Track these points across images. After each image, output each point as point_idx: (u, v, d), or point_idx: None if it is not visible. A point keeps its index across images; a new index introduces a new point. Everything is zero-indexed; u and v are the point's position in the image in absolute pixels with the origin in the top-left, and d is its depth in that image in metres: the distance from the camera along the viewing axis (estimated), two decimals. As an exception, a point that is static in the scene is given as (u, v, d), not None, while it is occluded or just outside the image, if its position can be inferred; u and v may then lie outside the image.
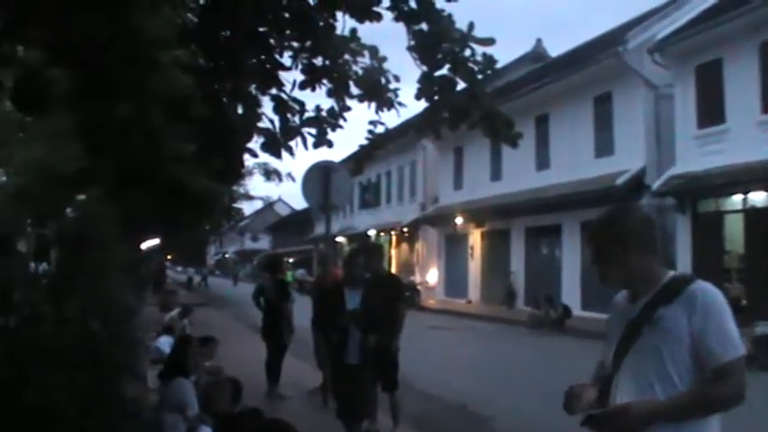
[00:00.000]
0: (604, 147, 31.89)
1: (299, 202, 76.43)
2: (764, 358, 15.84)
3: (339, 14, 7.12)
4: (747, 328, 17.69)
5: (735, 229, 25.59)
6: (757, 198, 24.30)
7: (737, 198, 25.11)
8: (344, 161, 18.59)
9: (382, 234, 54.68)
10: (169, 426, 7.45)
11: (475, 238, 43.40)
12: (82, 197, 11.45)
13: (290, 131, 7.28)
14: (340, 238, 59.91)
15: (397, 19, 6.96)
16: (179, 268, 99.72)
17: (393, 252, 54.65)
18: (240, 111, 7.21)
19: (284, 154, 7.38)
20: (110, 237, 8.22)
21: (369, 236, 54.71)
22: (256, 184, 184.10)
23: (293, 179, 45.40)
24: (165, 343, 14.12)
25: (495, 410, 13.13)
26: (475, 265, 43.32)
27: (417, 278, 47.40)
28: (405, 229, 51.47)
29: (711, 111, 25.99)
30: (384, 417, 11.00)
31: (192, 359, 9.03)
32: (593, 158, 32.21)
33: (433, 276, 48.11)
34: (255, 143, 7.45)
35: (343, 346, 9.81)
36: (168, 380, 8.53)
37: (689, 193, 26.58)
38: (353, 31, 7.25)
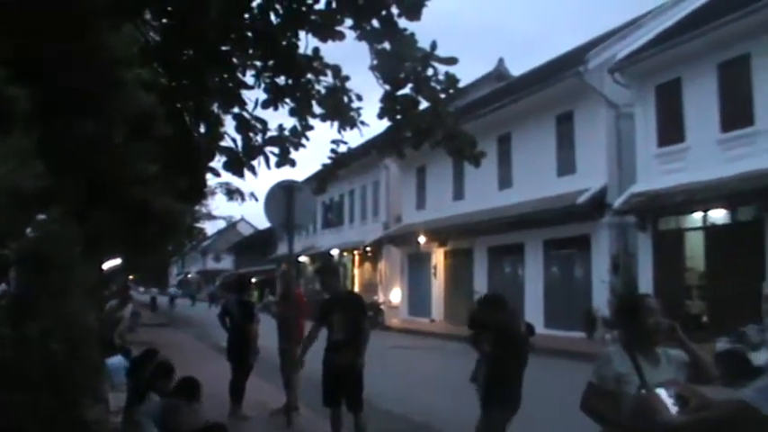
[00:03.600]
0: (566, 165, 32.11)
1: (262, 222, 76.16)
2: (726, 375, 15.93)
3: (302, 34, 7.14)
4: (708, 344, 17.85)
5: (695, 247, 25.87)
6: (717, 216, 24.64)
7: (698, 216, 25.39)
8: (307, 180, 18.53)
9: (345, 253, 54.64)
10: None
11: (438, 257, 43.46)
12: (43, 217, 11.35)
13: (252, 150, 7.27)
14: (303, 258, 59.80)
15: (359, 38, 6.98)
16: (141, 289, 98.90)
17: (356, 271, 54.61)
18: (203, 130, 7.19)
19: (246, 173, 7.37)
20: (71, 257, 8.14)
21: (331, 255, 54.64)
22: (219, 204, 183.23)
23: (256, 199, 45.11)
24: (116, 363, 13.78)
25: (461, 429, 13.11)
26: (438, 285, 43.35)
27: (380, 298, 47.30)
28: (368, 249, 51.43)
29: (671, 129, 26.32)
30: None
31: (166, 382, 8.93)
32: (555, 177, 32.39)
33: (396, 296, 48.03)
34: (218, 162, 7.43)
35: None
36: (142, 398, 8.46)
37: (650, 211, 26.82)
38: (316, 50, 7.27)
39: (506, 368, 8.35)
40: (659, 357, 5.14)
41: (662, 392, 4.07)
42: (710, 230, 25.06)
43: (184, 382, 8.89)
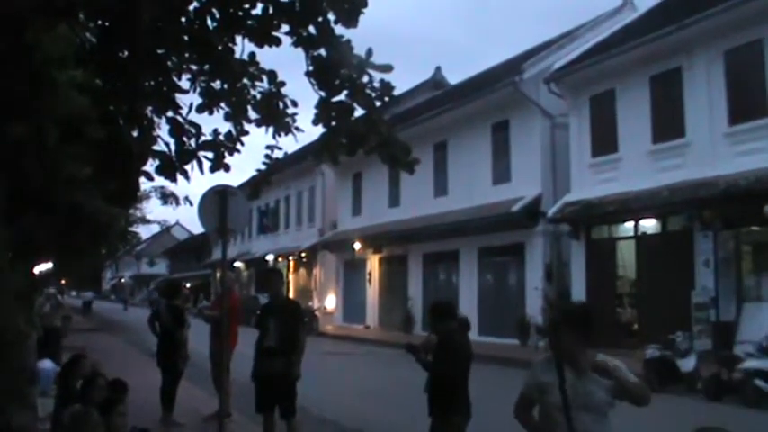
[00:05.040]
0: (501, 174, 32.37)
1: (197, 227, 75.76)
2: (655, 381, 16.17)
3: (238, 38, 7.12)
4: (639, 351, 18.16)
5: (627, 255, 26.29)
6: (648, 225, 25.07)
7: (629, 225, 25.82)
8: (242, 186, 18.43)
9: (280, 259, 54.39)
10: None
11: (373, 263, 43.55)
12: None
13: (185, 155, 7.22)
14: (237, 263, 59.47)
15: (296, 44, 6.98)
16: (73, 293, 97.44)
17: (291, 277, 54.37)
18: (136, 133, 7.13)
19: (180, 178, 7.32)
20: (0, 260, 8.01)
21: (267, 261, 54.39)
22: (153, 208, 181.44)
23: (191, 203, 44.52)
24: (46, 369, 13.57)
25: (392, 435, 13.16)
26: (373, 291, 43.44)
27: (315, 304, 47.20)
28: (303, 255, 51.26)
29: (604, 140, 26.72)
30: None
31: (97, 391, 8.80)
32: (490, 185, 32.66)
33: (331, 302, 48.00)
34: (151, 166, 7.37)
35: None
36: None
37: (583, 220, 27.20)
38: (252, 55, 7.25)
39: (451, 380, 8.31)
40: (587, 368, 5.18)
41: None
42: (642, 239, 25.51)
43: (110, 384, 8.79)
